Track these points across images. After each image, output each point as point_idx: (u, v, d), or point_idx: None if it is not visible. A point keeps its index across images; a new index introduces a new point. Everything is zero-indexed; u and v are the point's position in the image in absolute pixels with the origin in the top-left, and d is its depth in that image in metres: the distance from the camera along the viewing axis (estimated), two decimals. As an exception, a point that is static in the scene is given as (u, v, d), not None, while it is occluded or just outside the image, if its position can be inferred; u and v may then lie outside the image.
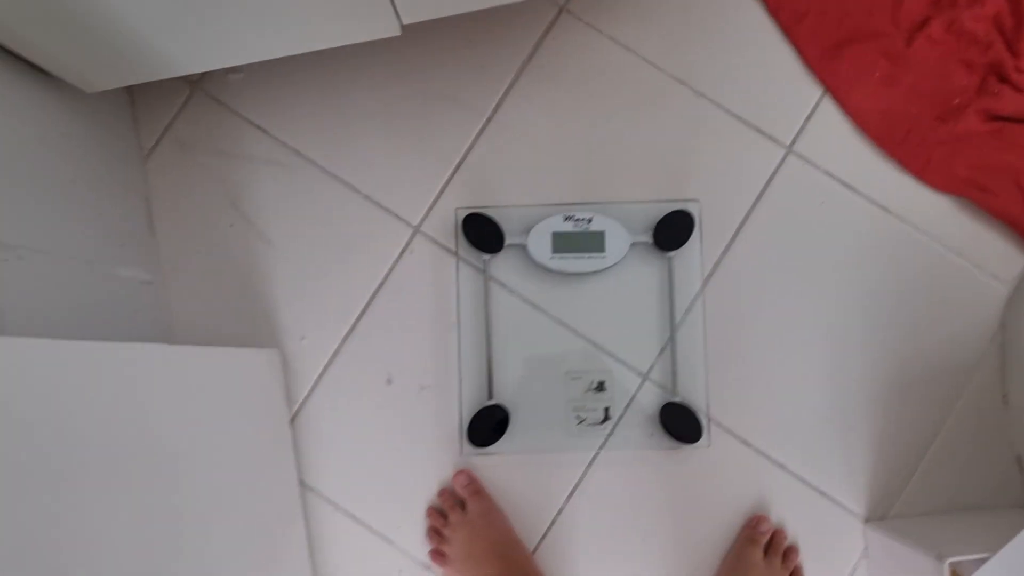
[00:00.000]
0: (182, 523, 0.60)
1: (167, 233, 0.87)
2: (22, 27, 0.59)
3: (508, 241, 0.83)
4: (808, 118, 0.86)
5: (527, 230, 0.83)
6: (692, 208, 0.83)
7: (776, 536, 0.83)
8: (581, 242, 0.83)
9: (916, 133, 0.85)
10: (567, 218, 0.83)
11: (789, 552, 0.83)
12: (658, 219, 0.83)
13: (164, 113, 0.87)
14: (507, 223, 0.84)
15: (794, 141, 0.86)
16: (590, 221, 0.83)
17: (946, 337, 0.86)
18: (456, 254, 0.86)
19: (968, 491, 0.86)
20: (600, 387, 0.84)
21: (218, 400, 0.72)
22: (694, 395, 0.84)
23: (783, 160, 0.86)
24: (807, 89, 0.86)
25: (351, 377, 0.86)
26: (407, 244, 0.87)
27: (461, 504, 0.84)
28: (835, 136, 0.86)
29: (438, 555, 0.84)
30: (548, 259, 0.83)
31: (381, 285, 0.87)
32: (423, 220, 0.87)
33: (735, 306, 0.86)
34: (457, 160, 0.87)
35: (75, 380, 0.50)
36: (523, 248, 0.84)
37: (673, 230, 0.83)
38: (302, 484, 0.86)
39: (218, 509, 0.68)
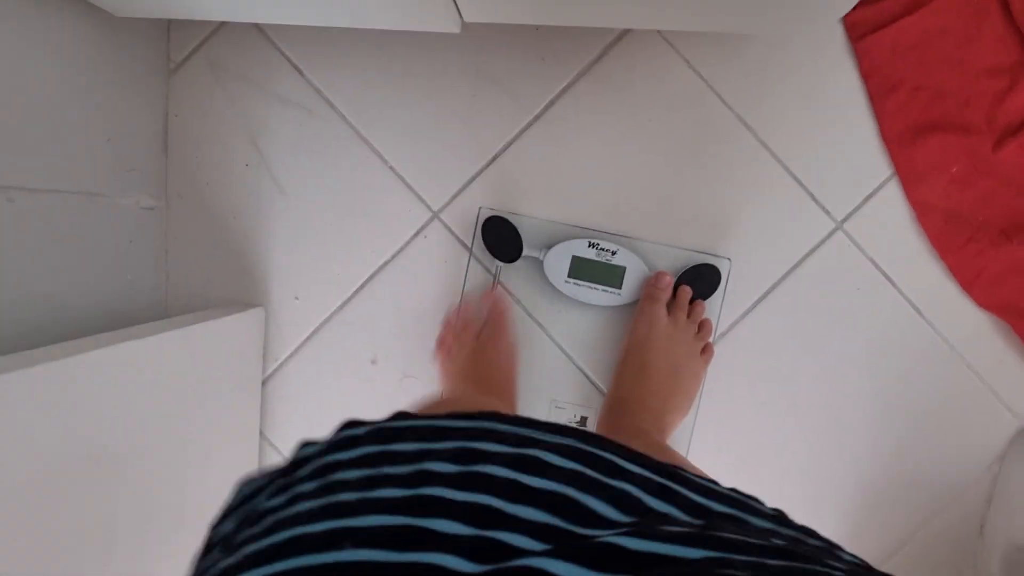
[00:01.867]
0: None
1: (179, 157, 0.83)
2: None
3: (525, 252, 0.80)
4: (868, 198, 0.80)
5: (547, 246, 0.80)
6: (722, 265, 0.79)
7: (682, 294, 0.79)
8: (600, 273, 0.79)
9: (976, 244, 0.79)
10: (591, 244, 0.79)
11: (695, 306, 0.79)
12: (685, 268, 0.80)
13: (200, 28, 0.81)
14: (528, 233, 0.80)
15: (846, 218, 0.81)
16: (614, 254, 0.79)
17: (945, 454, 0.83)
18: (470, 251, 0.82)
19: (918, 607, 0.85)
20: (582, 423, 0.82)
21: (191, 375, 0.71)
22: (676, 445, 0.82)
23: (829, 235, 0.81)
24: (876, 167, 0.80)
25: (336, 348, 0.85)
26: (422, 228, 0.83)
27: (481, 321, 0.79)
28: (891, 224, 0.80)
29: (443, 347, 0.80)
30: (562, 282, 0.80)
31: (388, 262, 0.83)
32: (444, 207, 0.82)
33: (739, 372, 0.83)
34: (493, 153, 0.82)
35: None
36: (539, 263, 0.80)
37: (698, 283, 0.80)
38: (262, 435, 0.85)
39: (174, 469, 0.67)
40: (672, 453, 0.64)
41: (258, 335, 0.84)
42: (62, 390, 0.53)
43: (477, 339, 0.78)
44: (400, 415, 0.38)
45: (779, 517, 0.34)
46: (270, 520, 0.29)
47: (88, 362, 0.55)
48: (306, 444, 0.36)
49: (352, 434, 0.35)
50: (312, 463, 0.33)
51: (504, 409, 0.68)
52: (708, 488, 0.34)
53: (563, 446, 0.34)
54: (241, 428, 0.82)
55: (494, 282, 0.81)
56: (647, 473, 0.34)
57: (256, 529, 0.29)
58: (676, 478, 0.34)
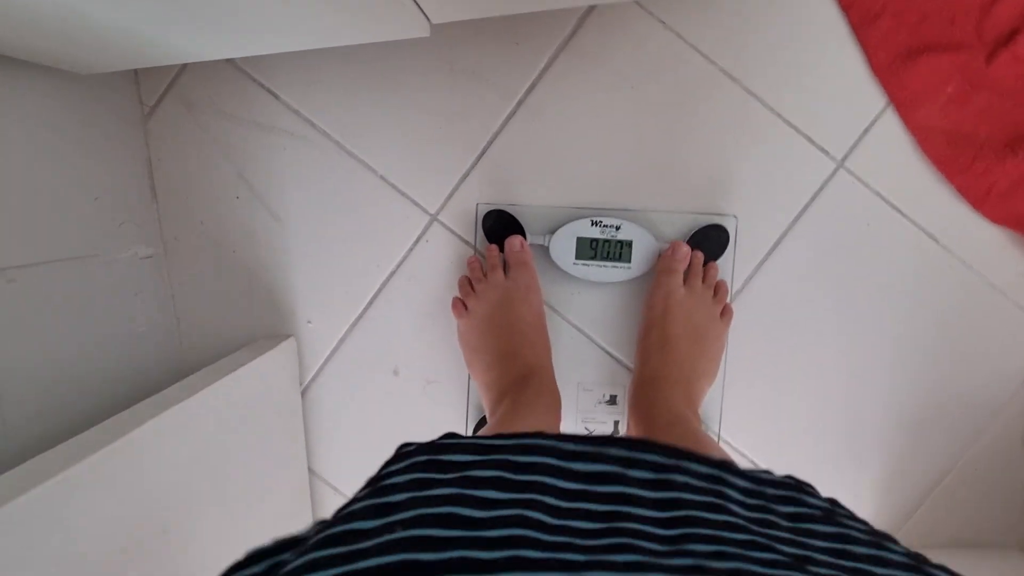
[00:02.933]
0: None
1: (169, 201, 0.82)
2: (14, 34, 0.52)
3: (529, 241, 0.79)
4: (866, 131, 0.79)
5: (550, 231, 0.79)
6: (729, 224, 0.78)
7: (694, 260, 0.78)
8: (607, 250, 0.79)
9: (981, 161, 0.78)
10: (594, 223, 0.78)
11: (708, 270, 0.78)
12: (692, 232, 0.79)
13: (168, 68, 0.80)
14: (529, 221, 0.80)
15: (847, 156, 0.79)
16: (618, 228, 0.78)
17: (977, 374, 0.82)
18: (474, 248, 0.82)
19: (972, 529, 0.85)
20: (612, 401, 0.82)
21: (238, 421, 0.71)
22: (708, 413, 0.82)
23: (832, 175, 0.79)
24: (869, 99, 0.78)
25: (357, 365, 0.84)
26: (423, 232, 0.82)
27: (505, 268, 0.79)
28: (892, 154, 0.79)
29: (460, 305, 0.79)
30: (571, 265, 0.79)
31: (393, 273, 0.83)
32: (441, 208, 0.82)
33: (760, 325, 0.82)
34: (482, 146, 0.80)
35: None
36: (544, 250, 0.79)
37: (707, 245, 0.79)
38: (310, 471, 0.85)
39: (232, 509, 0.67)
40: (712, 444, 0.66)
41: (293, 366, 0.84)
42: (118, 471, 0.52)
43: (505, 283, 0.77)
44: (449, 435, 0.39)
45: (834, 503, 0.35)
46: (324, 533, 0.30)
47: (137, 439, 0.55)
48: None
49: (404, 451, 0.37)
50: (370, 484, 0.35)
51: (543, 362, 0.74)
52: (761, 476, 0.34)
53: (606, 457, 0.34)
54: (289, 461, 0.83)
55: (510, 237, 0.79)
56: (695, 465, 0.34)
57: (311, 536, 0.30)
58: (726, 467, 0.34)
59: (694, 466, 0.34)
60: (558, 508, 0.31)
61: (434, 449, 0.36)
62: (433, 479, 0.33)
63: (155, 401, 0.60)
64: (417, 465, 0.34)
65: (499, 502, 0.31)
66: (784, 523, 0.32)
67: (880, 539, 0.32)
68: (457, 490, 0.31)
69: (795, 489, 0.35)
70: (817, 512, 0.33)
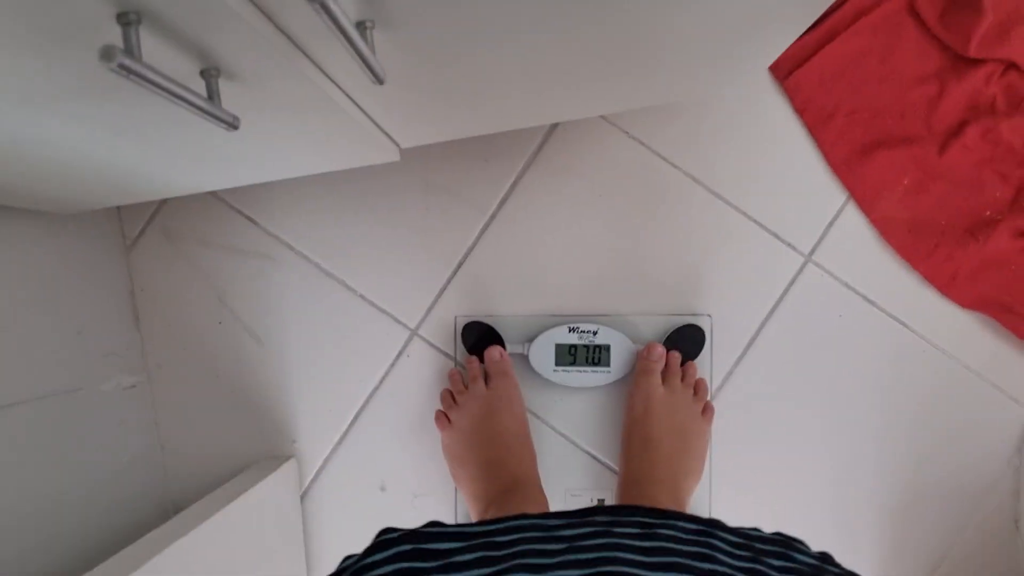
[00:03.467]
0: None
1: (152, 330, 0.83)
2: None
3: (509, 350, 0.80)
4: (830, 225, 0.81)
5: (529, 339, 0.80)
6: (704, 323, 0.80)
7: (671, 360, 0.78)
8: (585, 355, 0.80)
9: (943, 248, 0.80)
10: (572, 329, 0.79)
11: (687, 369, 0.79)
12: (668, 332, 0.80)
13: (149, 202, 0.82)
14: (508, 331, 0.81)
15: (813, 250, 0.81)
16: (595, 333, 0.79)
17: (962, 458, 0.83)
18: (455, 360, 0.83)
19: (972, 615, 0.84)
20: (601, 504, 0.82)
21: (245, 548, 0.70)
22: (697, 508, 0.81)
23: (801, 269, 0.81)
24: (831, 195, 0.81)
25: (343, 483, 0.84)
26: (403, 347, 0.83)
27: (486, 378, 0.79)
28: (857, 245, 0.81)
29: (443, 417, 0.79)
30: (551, 372, 0.80)
31: (376, 389, 0.83)
32: (421, 323, 0.83)
33: (743, 423, 0.83)
34: (458, 260, 0.82)
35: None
36: (523, 358, 0.80)
37: (684, 345, 0.80)
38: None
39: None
40: None
41: (295, 487, 0.83)
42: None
43: (486, 394, 0.77)
44: (433, 523, 0.40)
45: (825, 558, 0.36)
46: None
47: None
48: (346, 558, 0.39)
49: (387, 538, 0.38)
50: (349, 571, 0.36)
51: (528, 471, 0.74)
52: (750, 533, 0.35)
53: (592, 522, 0.36)
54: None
55: (490, 348, 0.79)
56: (682, 523, 0.35)
57: None
58: (714, 524, 0.35)
59: (681, 523, 0.35)
60: (543, 564, 0.31)
61: (418, 537, 0.37)
62: (418, 568, 0.33)
63: (152, 539, 0.59)
64: (402, 555, 0.35)
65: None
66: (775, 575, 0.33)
67: None
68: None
69: (784, 545, 0.35)
70: (807, 568, 0.34)
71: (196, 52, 0.34)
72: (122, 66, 0.26)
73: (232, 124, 0.36)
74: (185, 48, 0.33)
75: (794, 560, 0.34)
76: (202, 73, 0.36)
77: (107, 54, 0.26)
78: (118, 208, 0.83)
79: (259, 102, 0.42)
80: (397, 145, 0.64)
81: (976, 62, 0.78)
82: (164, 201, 0.82)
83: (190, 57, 0.35)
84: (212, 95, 0.37)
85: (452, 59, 0.44)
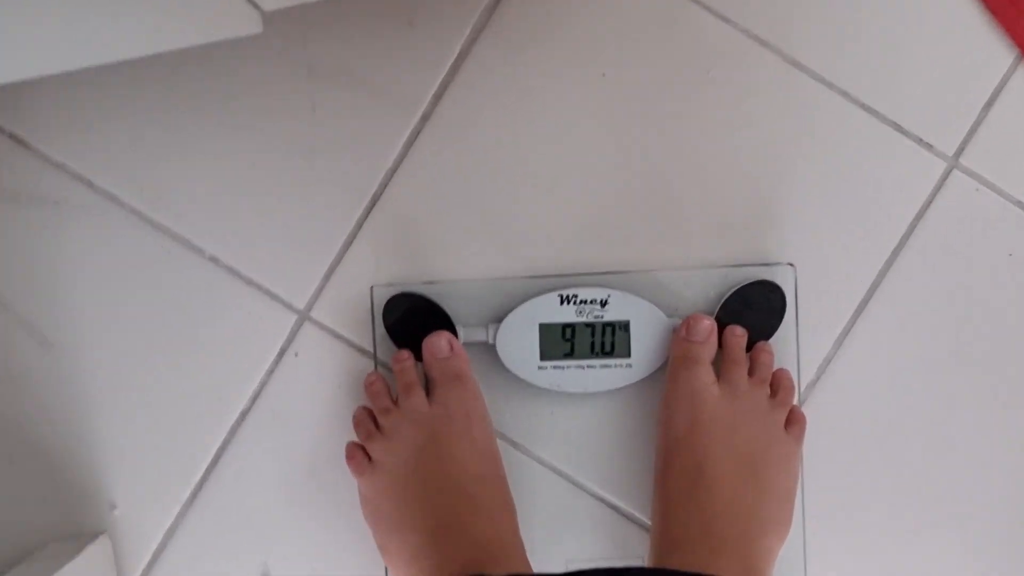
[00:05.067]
0: None
1: None
2: None
3: (464, 338, 0.54)
4: (987, 106, 0.53)
5: (495, 319, 0.54)
6: (783, 276, 0.54)
7: (731, 341, 0.54)
8: (590, 340, 0.54)
9: None
10: (565, 299, 0.53)
11: (758, 355, 0.54)
12: (724, 297, 0.54)
13: None
14: (459, 307, 0.55)
15: (961, 149, 0.53)
16: (604, 303, 0.54)
17: None
18: (375, 357, 0.55)
19: None
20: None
21: None
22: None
23: (943, 179, 0.54)
24: (990, 53, 0.53)
25: (198, 568, 0.56)
26: (288, 342, 0.55)
27: (427, 387, 0.54)
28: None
29: (360, 454, 0.53)
30: (534, 370, 0.54)
31: (246, 412, 0.55)
32: (315, 299, 0.55)
33: (856, 434, 0.56)
34: (371, 195, 0.55)
35: None
36: (487, 349, 0.54)
37: (751, 316, 0.54)
38: None
39: None
40: None
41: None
42: None
43: (430, 410, 0.52)
44: None
45: None
46: None
47: None
48: None
49: None
50: None
51: (503, 535, 0.51)
52: None
53: None
54: None
55: (432, 336, 0.53)
56: None
57: None
58: None
59: None
60: None
61: None
62: None
63: None
64: None
65: None
66: None
67: None
68: None
69: None
70: None
71: None
72: None
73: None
74: None
75: None
76: None
77: None
78: None
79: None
80: (257, 7, 0.44)
81: None
82: None
83: None
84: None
85: None
